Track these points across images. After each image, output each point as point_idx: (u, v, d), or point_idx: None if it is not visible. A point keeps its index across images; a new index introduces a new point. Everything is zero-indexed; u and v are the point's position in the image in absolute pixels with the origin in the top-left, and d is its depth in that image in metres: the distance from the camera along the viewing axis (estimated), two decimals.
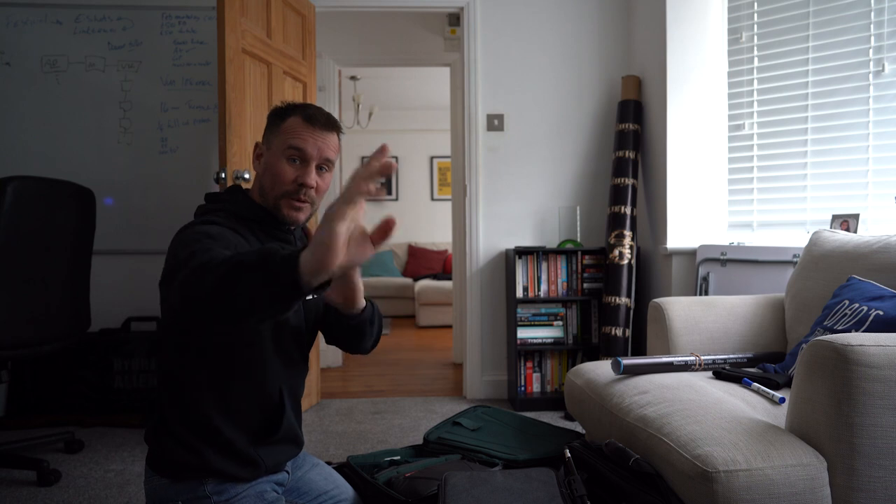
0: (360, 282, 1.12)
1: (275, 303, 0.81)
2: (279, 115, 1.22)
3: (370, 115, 6.60)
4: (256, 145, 1.26)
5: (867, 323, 1.49)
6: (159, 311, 3.15)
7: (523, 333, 3.09)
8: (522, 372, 3.11)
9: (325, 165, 1.22)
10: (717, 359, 1.82)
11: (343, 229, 0.74)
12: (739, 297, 2.10)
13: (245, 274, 0.81)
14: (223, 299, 0.83)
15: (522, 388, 3.11)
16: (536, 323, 3.10)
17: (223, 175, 2.38)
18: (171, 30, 3.19)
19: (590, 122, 3.34)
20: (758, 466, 1.16)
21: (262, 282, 0.80)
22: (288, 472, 1.29)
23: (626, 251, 2.97)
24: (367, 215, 0.82)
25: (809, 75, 2.50)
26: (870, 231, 2.29)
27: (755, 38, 2.68)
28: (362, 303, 1.18)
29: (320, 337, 3.35)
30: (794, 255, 2.33)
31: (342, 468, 1.85)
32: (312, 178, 1.19)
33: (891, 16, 2.27)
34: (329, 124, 1.22)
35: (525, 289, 3.09)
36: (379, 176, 0.76)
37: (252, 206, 1.21)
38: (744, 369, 1.76)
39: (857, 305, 1.55)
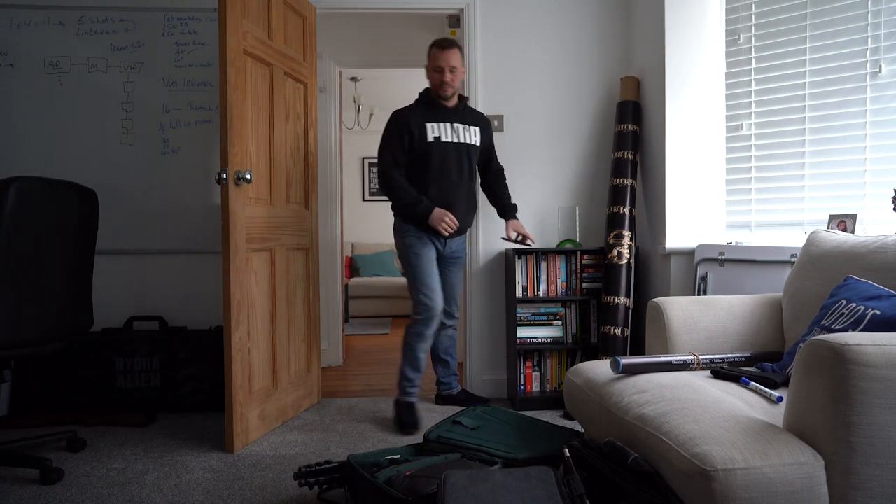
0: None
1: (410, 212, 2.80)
2: (428, 50, 2.83)
3: (371, 115, 6.62)
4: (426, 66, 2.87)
5: (864, 322, 1.50)
6: (160, 312, 3.20)
7: (523, 333, 3.10)
8: (522, 371, 3.13)
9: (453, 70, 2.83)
10: (716, 358, 1.83)
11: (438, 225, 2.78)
12: (737, 296, 2.11)
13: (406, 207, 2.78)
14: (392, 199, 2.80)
15: (522, 388, 3.12)
16: (536, 322, 3.11)
17: (224, 175, 2.39)
18: (173, 31, 3.20)
19: (589, 122, 3.36)
20: (756, 465, 1.18)
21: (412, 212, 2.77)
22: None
23: (625, 251, 2.98)
24: None
25: (807, 76, 2.51)
26: (867, 231, 2.31)
27: (753, 39, 2.70)
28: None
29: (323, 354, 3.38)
30: (792, 255, 2.34)
31: (343, 467, 1.86)
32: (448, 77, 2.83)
33: (888, 17, 2.29)
34: (449, 44, 2.80)
35: (524, 289, 3.10)
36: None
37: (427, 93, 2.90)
38: (742, 368, 1.77)
39: (854, 305, 1.57)
